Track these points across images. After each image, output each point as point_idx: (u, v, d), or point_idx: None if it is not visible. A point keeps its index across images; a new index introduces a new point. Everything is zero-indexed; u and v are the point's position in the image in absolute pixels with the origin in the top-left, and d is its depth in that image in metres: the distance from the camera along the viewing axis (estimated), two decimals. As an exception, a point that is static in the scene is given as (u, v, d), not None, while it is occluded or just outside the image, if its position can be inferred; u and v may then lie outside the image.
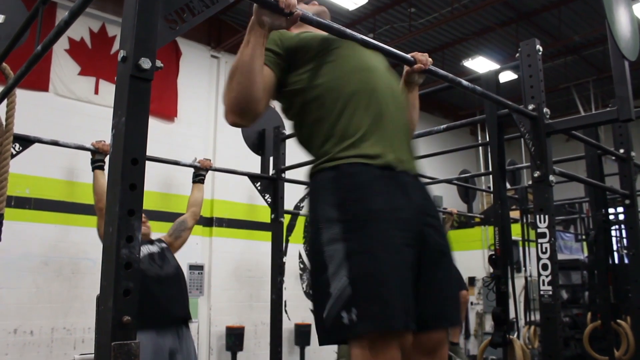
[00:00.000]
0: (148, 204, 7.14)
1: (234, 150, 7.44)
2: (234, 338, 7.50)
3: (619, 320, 3.30)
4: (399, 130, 1.74)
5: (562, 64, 10.72)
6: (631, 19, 2.43)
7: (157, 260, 3.50)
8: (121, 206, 1.03)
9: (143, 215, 3.66)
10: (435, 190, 10.52)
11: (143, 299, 1.12)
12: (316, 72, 1.72)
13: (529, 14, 9.04)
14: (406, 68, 2.00)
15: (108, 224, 1.05)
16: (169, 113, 7.78)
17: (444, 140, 10.02)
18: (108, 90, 7.28)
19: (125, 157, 1.06)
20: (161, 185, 7.31)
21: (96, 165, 3.67)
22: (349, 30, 1.73)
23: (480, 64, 9.47)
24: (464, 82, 2.08)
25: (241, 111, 1.63)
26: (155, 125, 7.54)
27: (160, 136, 7.42)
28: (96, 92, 7.26)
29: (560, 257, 11.46)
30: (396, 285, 1.48)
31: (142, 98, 1.11)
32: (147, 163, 3.00)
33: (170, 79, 7.84)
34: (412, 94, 2.02)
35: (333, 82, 1.70)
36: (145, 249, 3.52)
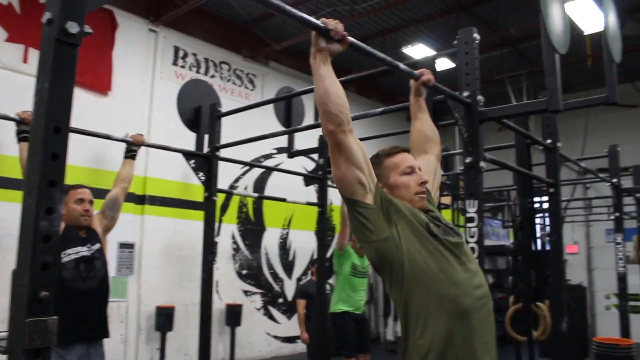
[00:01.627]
0: (78, 179, 6.92)
1: (169, 127, 7.28)
2: (164, 318, 7.40)
3: (538, 303, 3.46)
4: None
5: (497, 55, 11.00)
6: (563, 15, 2.51)
7: (83, 270, 3.34)
8: (42, 176, 0.98)
9: (87, 196, 3.50)
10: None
11: (56, 312, 1.07)
12: None
13: (468, 4, 9.21)
14: (413, 82, 2.28)
15: (27, 195, 1.00)
16: (103, 86, 7.51)
17: (381, 124, 10.14)
18: (35, 59, 6.97)
19: (48, 125, 1.00)
20: (92, 160, 7.08)
21: (22, 136, 3.48)
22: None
23: (419, 51, 9.60)
24: (402, 66, 2.10)
25: (335, 117, 1.80)
26: (87, 98, 7.30)
27: (92, 110, 7.16)
28: (25, 60, 6.91)
29: (487, 242, 11.88)
30: None
31: (67, 64, 1.05)
32: (78, 137, 2.87)
33: (105, 50, 7.56)
34: (420, 102, 2.30)
35: None
36: (75, 253, 3.37)
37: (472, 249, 2.37)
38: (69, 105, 1.04)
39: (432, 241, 1.81)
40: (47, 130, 1.00)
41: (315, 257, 8.28)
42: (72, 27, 1.05)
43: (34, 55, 6.89)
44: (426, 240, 1.80)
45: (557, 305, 3.23)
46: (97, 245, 3.49)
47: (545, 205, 5.37)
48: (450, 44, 8.58)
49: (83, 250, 3.40)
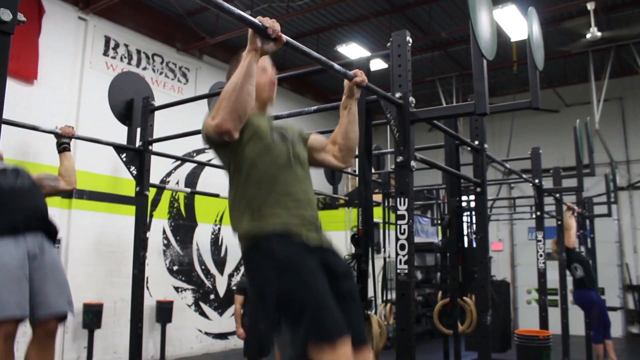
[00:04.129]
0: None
1: (98, 118, 7.07)
2: (92, 315, 7.20)
3: (465, 298, 3.59)
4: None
5: (429, 57, 11.30)
6: (491, 22, 2.62)
7: (10, 175, 3.28)
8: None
9: None
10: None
11: None
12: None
13: (402, 7, 9.41)
14: (347, 82, 2.34)
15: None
16: (28, 74, 7.22)
17: (315, 122, 10.20)
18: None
19: (-21, 116, 0.98)
20: (17, 152, 6.80)
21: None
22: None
23: (353, 51, 9.73)
24: (336, 66, 2.14)
25: (239, 120, 1.95)
26: (11, 86, 7.00)
27: (17, 98, 6.89)
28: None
29: (416, 239, 12.14)
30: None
31: (0, 53, 1.03)
32: (2, 127, 2.76)
33: (31, 37, 7.27)
34: (353, 108, 2.38)
35: None
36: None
37: (402, 245, 2.45)
38: (1, 94, 1.02)
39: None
40: (-22, 121, 0.98)
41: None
42: (5, 15, 1.02)
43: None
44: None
45: (483, 299, 3.37)
46: (20, 169, 3.47)
47: (473, 204, 5.59)
48: (383, 45, 8.76)
49: (3, 164, 3.40)
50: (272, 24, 1.82)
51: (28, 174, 3.47)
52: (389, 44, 2.63)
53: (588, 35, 8.65)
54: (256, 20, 1.78)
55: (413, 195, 2.48)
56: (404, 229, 2.45)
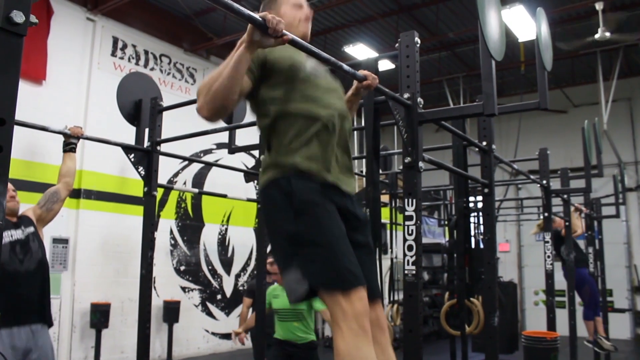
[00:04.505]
0: (11, 172, 6.66)
1: (106, 118, 7.11)
2: (99, 315, 7.23)
3: (472, 299, 3.59)
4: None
5: (436, 58, 11.30)
6: (500, 23, 2.62)
7: (19, 252, 3.27)
8: (-15, 168, 0.97)
9: (10, 187, 3.38)
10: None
11: None
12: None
13: (409, 7, 9.41)
14: (356, 83, 2.36)
15: (-32, 187, 0.98)
16: (37, 75, 7.26)
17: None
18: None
19: (-8, 116, 0.99)
20: (25, 152, 6.84)
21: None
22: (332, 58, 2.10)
23: (360, 51, 9.73)
24: (345, 67, 2.14)
25: (217, 109, 1.90)
26: (20, 87, 6.97)
27: (26, 99, 6.92)
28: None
29: (424, 240, 12.15)
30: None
31: (13, 54, 1.04)
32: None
33: (40, 38, 7.31)
34: (355, 106, 2.45)
35: None
36: (8, 236, 3.28)
37: (410, 246, 2.45)
38: (14, 96, 1.04)
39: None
40: (-8, 121, 0.99)
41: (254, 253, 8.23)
42: (18, 17, 1.03)
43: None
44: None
45: (490, 300, 3.36)
46: (30, 229, 3.44)
47: (480, 205, 5.58)
48: (391, 45, 8.74)
49: (17, 234, 3.33)
50: (274, 25, 1.73)
51: (38, 237, 3.48)
52: (397, 44, 2.63)
53: (597, 36, 8.60)
54: (256, 16, 1.71)
55: (421, 196, 2.48)
56: (412, 230, 2.45)
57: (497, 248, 13.23)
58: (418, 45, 2.59)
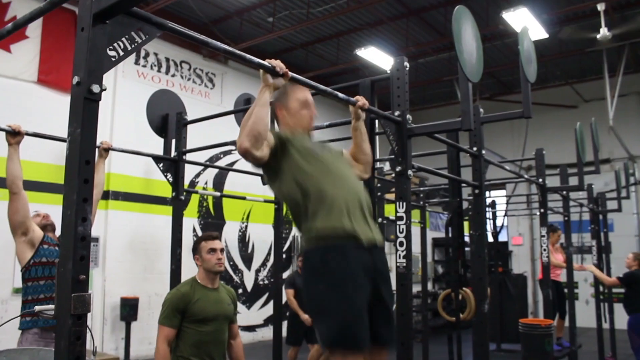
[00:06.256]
0: (45, 176, 7.17)
1: (131, 125, 7.61)
2: (129, 308, 7.74)
3: (465, 288, 3.99)
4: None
5: (446, 57, 11.63)
6: (477, 46, 3.02)
7: None
8: (78, 195, 1.41)
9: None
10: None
11: None
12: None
13: (418, 10, 9.77)
14: (351, 107, 2.78)
15: (66, 208, 1.43)
16: (66, 85, 7.75)
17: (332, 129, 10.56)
18: (2, 58, 7.21)
19: (81, 159, 1.43)
20: (57, 157, 7.35)
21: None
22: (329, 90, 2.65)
23: (371, 54, 10.05)
24: (340, 95, 2.57)
25: (255, 136, 2.28)
26: (52, 97, 7.57)
27: (57, 107, 7.43)
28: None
29: (437, 235, 12.47)
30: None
31: (92, 114, 1.48)
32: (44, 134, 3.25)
33: (69, 50, 7.81)
34: (361, 127, 2.80)
35: None
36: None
37: (401, 242, 2.86)
38: (94, 143, 1.46)
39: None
40: (81, 163, 1.43)
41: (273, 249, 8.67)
42: (96, 88, 1.47)
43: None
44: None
45: (480, 290, 3.76)
46: None
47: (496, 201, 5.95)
48: (401, 46, 9.05)
49: None
50: (278, 64, 2.27)
51: None
52: (389, 69, 3.03)
53: (598, 36, 8.89)
54: (266, 63, 2.22)
55: (410, 199, 2.89)
56: (403, 228, 2.86)
57: (510, 241, 13.57)
58: (407, 68, 2.98)
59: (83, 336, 1.39)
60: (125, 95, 8.28)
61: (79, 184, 1.42)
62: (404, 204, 2.85)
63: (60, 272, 1.40)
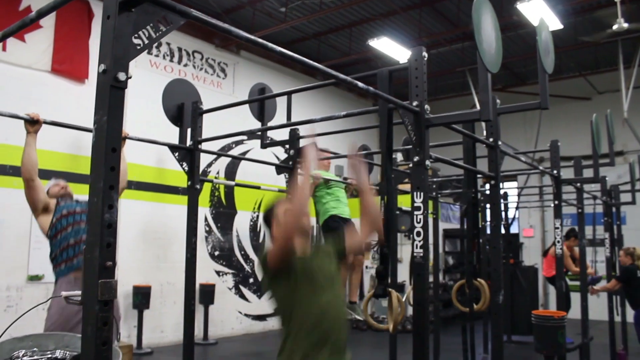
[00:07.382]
0: (58, 165, 7.23)
1: (145, 114, 7.62)
2: (141, 297, 7.80)
3: (479, 279, 3.99)
4: None
5: (459, 48, 11.56)
6: (496, 36, 2.99)
7: None
8: (105, 183, 1.42)
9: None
10: (338, 162, 11.06)
11: None
12: None
13: (431, 0, 9.70)
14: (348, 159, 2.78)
15: (93, 196, 1.44)
16: (80, 74, 7.82)
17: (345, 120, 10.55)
18: (17, 47, 7.23)
19: (107, 147, 1.44)
20: (71, 146, 7.40)
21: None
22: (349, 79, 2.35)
23: (384, 44, 10.01)
24: (360, 84, 2.56)
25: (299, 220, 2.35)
26: (66, 86, 7.61)
27: (70, 97, 7.49)
28: (4, 49, 7.18)
29: (448, 226, 12.46)
30: None
31: (118, 102, 1.48)
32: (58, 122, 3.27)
33: (82, 40, 7.86)
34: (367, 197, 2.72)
35: None
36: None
37: (418, 232, 2.86)
38: (120, 132, 1.47)
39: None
40: (107, 150, 1.44)
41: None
42: (122, 76, 1.47)
43: (13, 43, 7.16)
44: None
45: (495, 281, 3.75)
46: None
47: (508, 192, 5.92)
48: (414, 37, 9.00)
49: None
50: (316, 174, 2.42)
51: None
52: (406, 60, 3.02)
53: (615, 26, 8.80)
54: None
55: (428, 189, 2.89)
56: (420, 218, 2.86)
57: (522, 233, 13.53)
58: (425, 58, 2.97)
59: (110, 322, 1.40)
60: (138, 84, 8.28)
61: (106, 171, 1.43)
62: (422, 194, 2.85)
63: (87, 259, 1.41)
